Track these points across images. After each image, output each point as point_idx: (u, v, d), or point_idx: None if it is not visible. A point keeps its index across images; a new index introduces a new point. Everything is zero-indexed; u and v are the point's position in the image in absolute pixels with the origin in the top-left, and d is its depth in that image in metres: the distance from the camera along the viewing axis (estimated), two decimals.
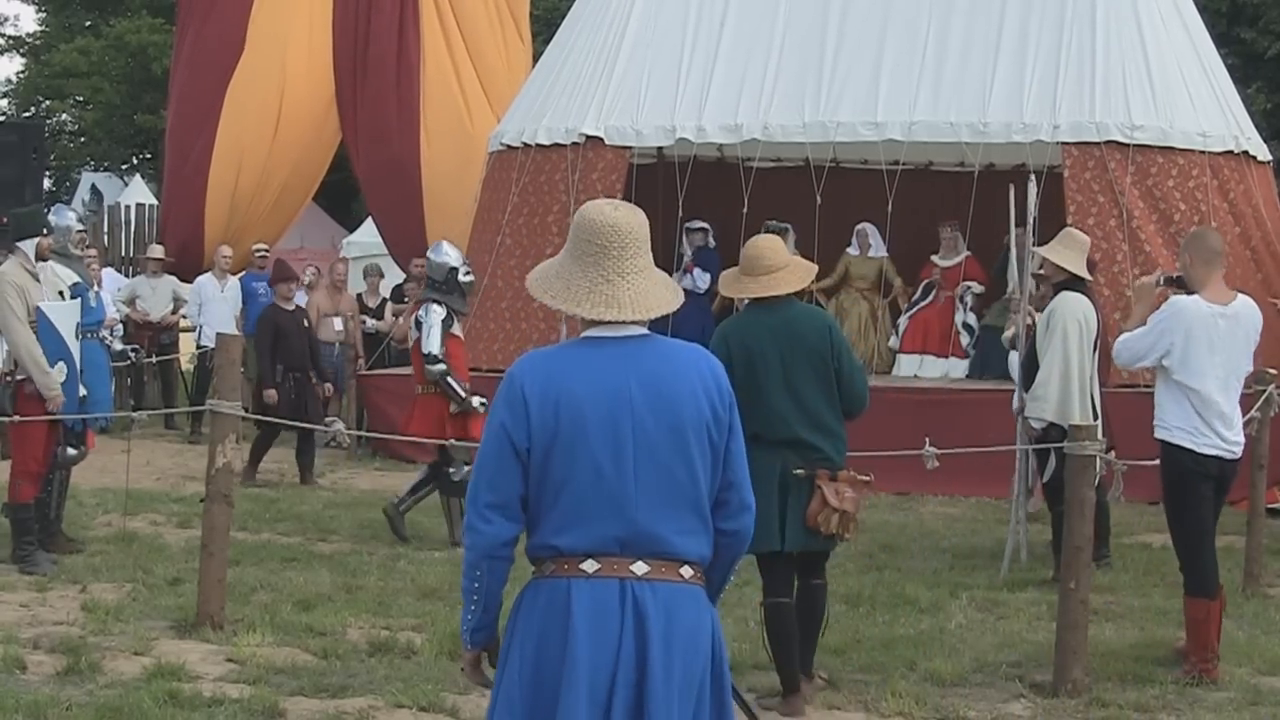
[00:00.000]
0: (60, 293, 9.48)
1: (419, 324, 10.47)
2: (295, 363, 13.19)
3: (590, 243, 3.89)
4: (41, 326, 9.13)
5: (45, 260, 9.46)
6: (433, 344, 10.31)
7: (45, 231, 9.47)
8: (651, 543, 3.83)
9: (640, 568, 3.83)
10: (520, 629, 3.88)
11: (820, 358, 6.61)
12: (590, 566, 3.82)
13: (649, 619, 3.79)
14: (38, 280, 9.29)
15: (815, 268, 6.92)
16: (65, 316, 9.32)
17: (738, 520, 3.98)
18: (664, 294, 3.92)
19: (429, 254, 10.91)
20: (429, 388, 10.46)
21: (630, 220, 3.91)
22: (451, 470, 10.46)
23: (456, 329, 10.57)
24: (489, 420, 3.90)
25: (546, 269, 3.99)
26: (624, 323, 3.86)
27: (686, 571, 3.88)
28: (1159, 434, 7.36)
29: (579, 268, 3.89)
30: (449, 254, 10.65)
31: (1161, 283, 7.71)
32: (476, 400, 10.30)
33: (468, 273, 10.72)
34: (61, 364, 9.18)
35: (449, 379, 10.32)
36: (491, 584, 3.93)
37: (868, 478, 6.75)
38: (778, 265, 6.64)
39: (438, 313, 10.42)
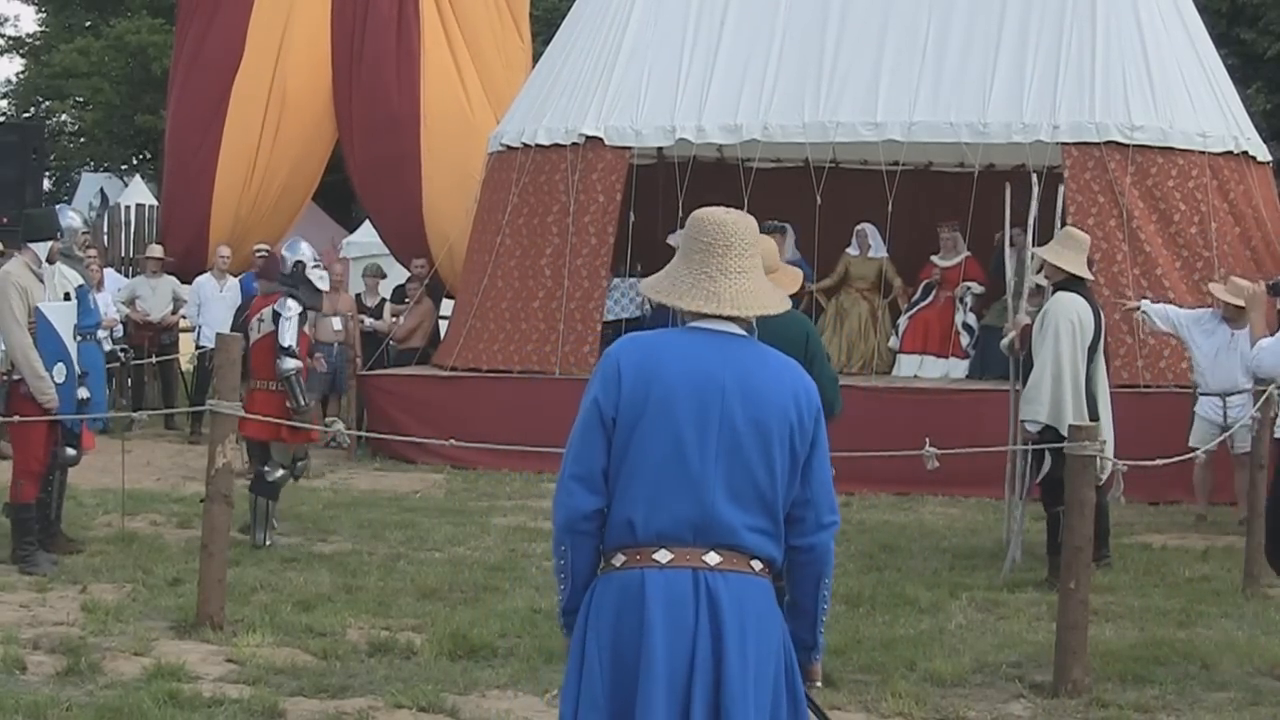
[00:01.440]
0: (66, 294, 9.48)
1: (275, 317, 10.09)
2: None
3: (697, 240, 4.00)
4: (41, 327, 9.13)
5: (53, 263, 9.46)
6: (290, 337, 9.98)
7: (58, 235, 9.46)
8: (723, 532, 3.85)
9: (713, 558, 3.86)
10: (593, 624, 3.89)
11: (794, 356, 6.67)
12: (663, 557, 3.86)
13: (723, 608, 3.82)
14: (42, 282, 9.28)
15: (801, 275, 7.06)
16: (64, 317, 9.32)
17: (812, 537, 3.96)
18: (768, 295, 4.02)
19: (284, 250, 10.61)
20: (261, 382, 10.13)
21: (739, 222, 4.03)
22: (267, 469, 10.24)
23: (305, 325, 10.32)
24: (583, 398, 3.96)
25: (661, 272, 4.11)
26: (724, 317, 3.95)
27: (757, 565, 3.91)
28: None
29: (686, 265, 4.01)
30: (304, 250, 10.43)
31: (1268, 290, 7.70)
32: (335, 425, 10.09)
33: (315, 265, 10.44)
34: (60, 365, 9.19)
35: (297, 377, 9.99)
36: (577, 561, 3.96)
37: None
38: (772, 268, 6.76)
39: (294, 308, 10.10)
